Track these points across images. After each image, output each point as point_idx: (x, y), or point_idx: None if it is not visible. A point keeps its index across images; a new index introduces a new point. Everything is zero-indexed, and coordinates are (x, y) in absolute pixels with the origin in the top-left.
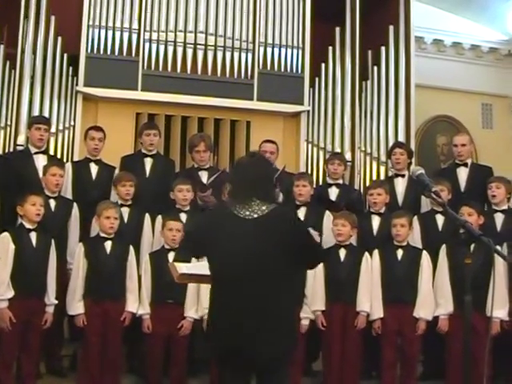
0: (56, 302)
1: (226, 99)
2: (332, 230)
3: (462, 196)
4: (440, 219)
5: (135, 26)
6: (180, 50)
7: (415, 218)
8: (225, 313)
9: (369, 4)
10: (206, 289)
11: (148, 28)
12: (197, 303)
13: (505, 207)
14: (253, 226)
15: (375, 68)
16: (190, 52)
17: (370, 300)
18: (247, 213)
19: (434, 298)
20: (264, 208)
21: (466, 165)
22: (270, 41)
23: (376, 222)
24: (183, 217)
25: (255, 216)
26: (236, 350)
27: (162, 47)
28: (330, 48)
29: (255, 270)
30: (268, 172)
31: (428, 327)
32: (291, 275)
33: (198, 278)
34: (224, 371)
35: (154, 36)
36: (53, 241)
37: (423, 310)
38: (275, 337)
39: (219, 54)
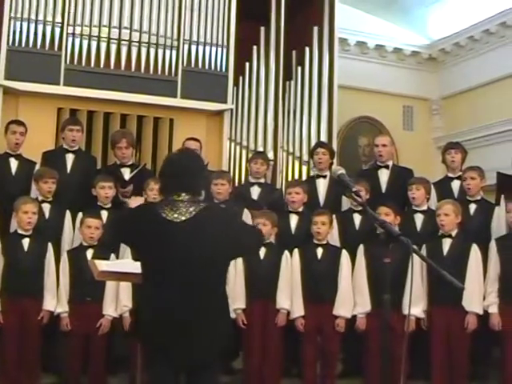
0: None
1: (149, 96)
2: None
3: (383, 197)
4: (357, 218)
5: (58, 19)
6: (104, 46)
7: (334, 216)
8: (161, 313)
9: (294, 4)
10: (125, 286)
11: (72, 22)
12: (116, 301)
13: (424, 208)
14: (180, 229)
15: (299, 68)
16: (113, 47)
17: (290, 298)
18: (175, 215)
19: (353, 296)
20: (192, 209)
21: (387, 167)
22: (194, 38)
23: (294, 220)
24: (104, 214)
25: (183, 219)
26: (173, 348)
27: (85, 42)
28: (255, 47)
29: (189, 271)
30: (198, 167)
31: (347, 325)
32: (224, 274)
33: (119, 276)
34: (155, 371)
35: (78, 30)
36: None
37: (343, 308)
38: (212, 336)
39: (143, 51)
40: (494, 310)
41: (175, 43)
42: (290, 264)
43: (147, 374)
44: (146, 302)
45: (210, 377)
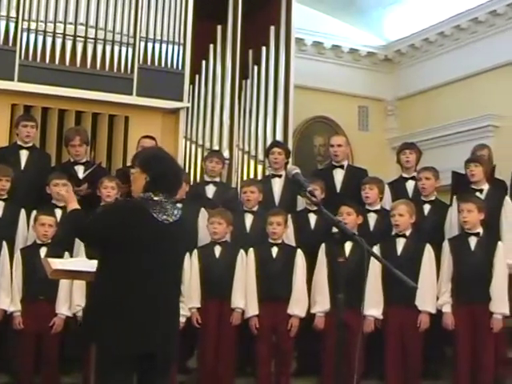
0: None
1: (104, 93)
2: (207, 228)
3: (338, 197)
4: (313, 218)
5: (13, 14)
6: (59, 42)
7: (289, 216)
8: (129, 315)
9: (251, 3)
10: (78, 285)
11: (27, 17)
12: (69, 300)
13: (377, 207)
14: (169, 231)
15: (255, 67)
16: (69, 44)
17: (244, 297)
18: (164, 217)
19: (307, 296)
20: (176, 212)
21: (342, 166)
22: (151, 36)
23: (249, 219)
24: (58, 212)
25: (170, 221)
26: (138, 350)
27: (40, 38)
28: (211, 46)
29: (162, 273)
30: (181, 168)
31: (303, 324)
32: (181, 276)
33: (73, 275)
34: (114, 372)
35: (33, 26)
36: None
37: (297, 307)
38: (172, 337)
39: (99, 47)
40: (447, 309)
41: (131, 40)
42: (245, 263)
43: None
44: (116, 303)
45: (169, 375)
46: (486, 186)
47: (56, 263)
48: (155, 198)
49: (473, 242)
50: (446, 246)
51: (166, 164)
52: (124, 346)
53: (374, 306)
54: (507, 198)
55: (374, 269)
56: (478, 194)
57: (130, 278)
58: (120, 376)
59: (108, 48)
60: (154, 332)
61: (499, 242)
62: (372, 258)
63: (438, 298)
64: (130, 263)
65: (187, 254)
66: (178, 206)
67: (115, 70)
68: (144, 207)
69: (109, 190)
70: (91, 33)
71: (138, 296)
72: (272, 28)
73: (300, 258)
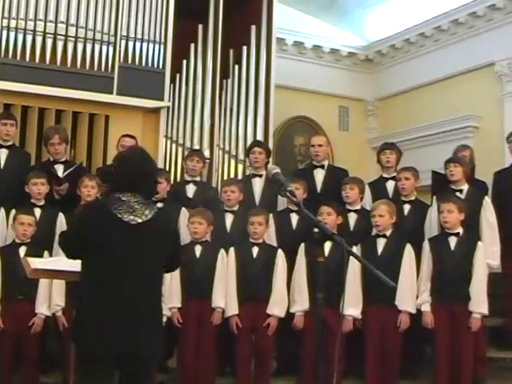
0: None
1: (85, 92)
2: (188, 227)
3: (319, 197)
4: (294, 218)
5: None
6: (39, 40)
7: (271, 216)
8: (107, 315)
9: (232, 3)
10: (58, 285)
11: (6, 15)
12: (49, 300)
13: (358, 207)
14: (136, 232)
15: (236, 67)
16: (49, 42)
17: (225, 297)
18: (131, 217)
19: (287, 296)
20: (147, 212)
21: (322, 166)
22: (131, 34)
23: (229, 219)
24: (38, 211)
25: (139, 221)
26: (118, 350)
27: (20, 36)
28: (192, 45)
29: (137, 274)
30: (153, 168)
31: (282, 324)
32: (161, 277)
33: (53, 274)
34: (94, 372)
35: (13, 24)
36: None
37: (276, 307)
38: (153, 337)
39: (80, 46)
40: (426, 308)
41: (112, 39)
42: (226, 263)
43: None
44: (91, 305)
45: (151, 377)
46: (465, 187)
47: (35, 262)
48: (123, 199)
49: (453, 241)
50: (425, 245)
51: (129, 164)
52: (98, 346)
53: (353, 306)
54: (487, 198)
55: (354, 268)
56: (457, 194)
57: (100, 278)
58: (99, 376)
59: (89, 46)
60: (128, 333)
61: (479, 242)
62: (351, 258)
63: (417, 298)
64: (99, 264)
65: None
66: (152, 206)
67: (96, 69)
68: (107, 208)
69: (89, 190)
70: (72, 31)
71: (108, 296)
72: (253, 27)
73: (281, 258)
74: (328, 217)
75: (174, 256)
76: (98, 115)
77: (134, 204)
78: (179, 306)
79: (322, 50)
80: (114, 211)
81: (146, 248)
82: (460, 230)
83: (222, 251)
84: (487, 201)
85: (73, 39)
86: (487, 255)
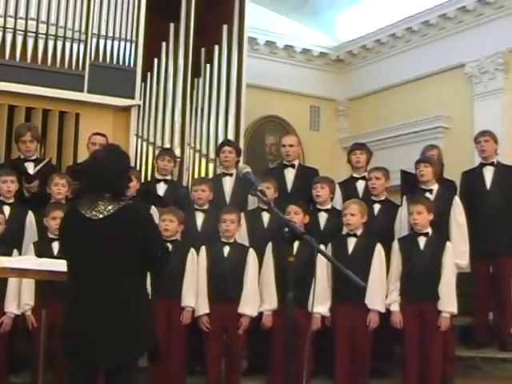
0: None
1: (55, 90)
2: (159, 226)
3: (289, 196)
4: (265, 217)
5: None
6: (9, 37)
7: (242, 215)
8: (72, 313)
9: (204, 2)
10: (28, 284)
11: None
12: (18, 299)
13: (328, 207)
14: (97, 227)
15: (208, 66)
16: (19, 39)
17: (195, 296)
18: (93, 213)
19: (258, 295)
20: (110, 208)
21: (293, 166)
22: (103, 32)
23: (200, 218)
24: (7, 209)
25: (100, 216)
26: (80, 349)
27: None
28: (164, 43)
29: (99, 271)
30: (123, 167)
31: (253, 323)
32: (137, 274)
33: (21, 273)
34: (71, 369)
35: None
36: None
37: (248, 306)
38: (123, 336)
39: (50, 43)
40: (395, 308)
41: (83, 37)
42: (196, 262)
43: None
44: (67, 303)
45: (127, 377)
46: (435, 187)
47: (3, 261)
48: (92, 196)
49: (422, 241)
50: (395, 245)
51: (98, 164)
52: (71, 346)
53: (321, 304)
54: (456, 198)
55: (322, 267)
56: (427, 194)
57: (71, 278)
58: (78, 374)
59: (59, 44)
60: (91, 332)
61: (448, 242)
62: (320, 257)
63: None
64: (70, 263)
65: None
66: (118, 203)
67: (66, 67)
68: (75, 206)
69: (59, 188)
70: (42, 28)
71: (76, 295)
72: (225, 27)
73: (252, 257)
74: (295, 216)
75: (152, 255)
76: (69, 113)
77: (98, 200)
78: None
79: (293, 49)
80: (81, 210)
81: (109, 242)
82: (429, 230)
83: (192, 250)
84: (457, 201)
85: (43, 36)
86: (456, 255)
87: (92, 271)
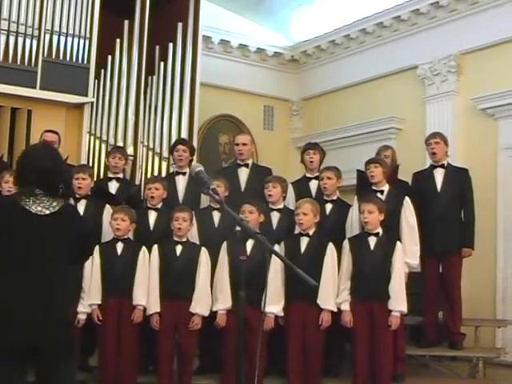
0: None
1: (7, 86)
2: (110, 224)
3: (243, 195)
4: (216, 216)
5: None
6: None
7: (193, 213)
8: (7, 306)
9: None
10: None
11: None
12: None
13: (280, 206)
14: (45, 223)
15: (162, 64)
16: None
17: (146, 294)
18: (39, 208)
19: (210, 294)
20: (54, 204)
21: (246, 165)
22: (56, 28)
23: (153, 217)
24: None
25: (47, 212)
26: (16, 341)
27: None
28: (118, 40)
29: (39, 265)
30: (54, 165)
31: (205, 322)
32: (69, 270)
33: None
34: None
35: None
36: None
37: (199, 305)
38: (55, 329)
39: (2, 38)
40: (345, 307)
41: (36, 32)
42: (148, 260)
43: None
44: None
45: (62, 372)
46: (386, 187)
47: None
48: (36, 192)
49: (372, 241)
50: (346, 244)
51: (25, 160)
52: (2, 337)
53: (274, 304)
54: (407, 198)
55: (275, 267)
56: (378, 194)
57: (6, 269)
58: (4, 369)
59: (12, 39)
60: (26, 325)
61: (398, 242)
62: (273, 256)
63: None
64: (6, 255)
65: None
66: (59, 200)
67: (19, 63)
68: (15, 200)
69: (10, 185)
70: None
71: (12, 286)
72: (179, 25)
73: (204, 256)
74: (250, 215)
75: (83, 248)
76: (21, 110)
77: (41, 196)
78: (99, 302)
79: (248, 49)
80: (22, 203)
81: (52, 239)
82: (380, 230)
83: (144, 249)
84: (407, 201)
85: None
86: (407, 255)
87: (29, 264)
